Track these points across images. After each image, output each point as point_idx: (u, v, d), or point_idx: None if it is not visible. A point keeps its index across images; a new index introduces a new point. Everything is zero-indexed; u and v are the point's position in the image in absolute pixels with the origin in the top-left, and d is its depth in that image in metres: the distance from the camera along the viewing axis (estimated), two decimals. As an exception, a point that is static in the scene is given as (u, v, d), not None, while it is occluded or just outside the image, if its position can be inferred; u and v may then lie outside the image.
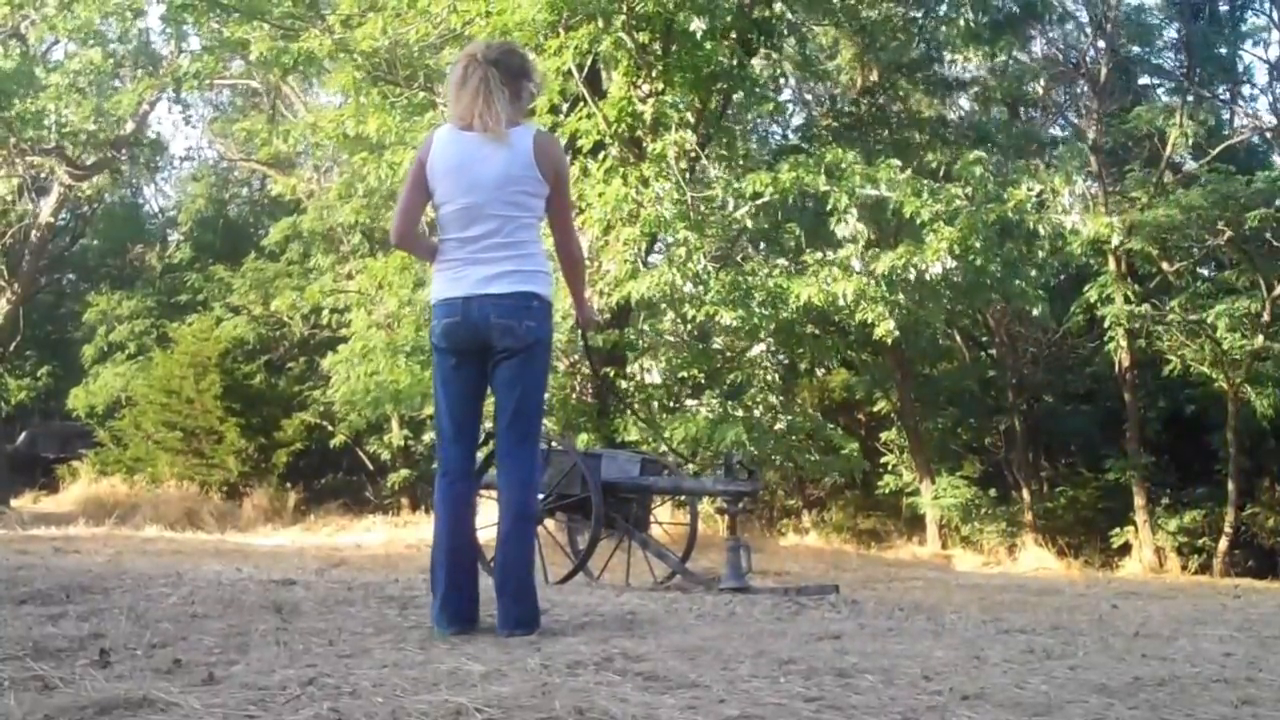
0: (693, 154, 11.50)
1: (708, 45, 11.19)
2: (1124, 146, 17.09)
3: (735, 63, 11.75)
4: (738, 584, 5.45)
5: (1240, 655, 3.31)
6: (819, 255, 11.16)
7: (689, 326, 12.18)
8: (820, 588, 5.74)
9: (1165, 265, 16.06)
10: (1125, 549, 15.46)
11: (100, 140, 17.48)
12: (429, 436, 15.82)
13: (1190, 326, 15.10)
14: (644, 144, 11.37)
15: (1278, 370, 14.99)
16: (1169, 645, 3.52)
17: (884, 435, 17.97)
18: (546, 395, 4.13)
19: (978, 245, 10.66)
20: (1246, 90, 19.48)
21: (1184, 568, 14.90)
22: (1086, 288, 15.43)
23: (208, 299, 20.64)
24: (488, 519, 3.88)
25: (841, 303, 10.65)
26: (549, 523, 6.31)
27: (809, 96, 18.98)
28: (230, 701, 2.23)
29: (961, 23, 13.98)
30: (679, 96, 11.37)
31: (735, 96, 12.50)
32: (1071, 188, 12.13)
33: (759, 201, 11.13)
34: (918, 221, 10.81)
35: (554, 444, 6.21)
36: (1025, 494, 17.04)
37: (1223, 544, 15.14)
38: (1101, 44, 17.15)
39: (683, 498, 8.12)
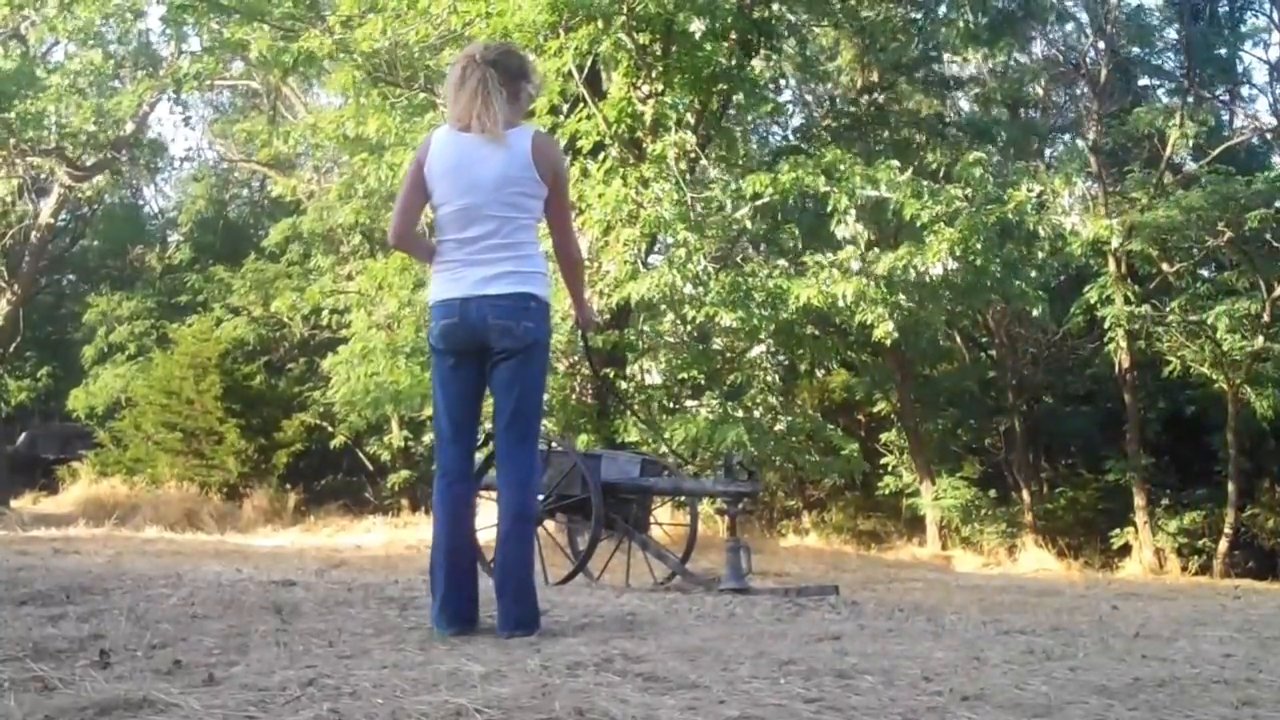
0: (693, 155, 11.50)
1: (707, 46, 11.19)
2: (1124, 147, 17.10)
3: (735, 64, 11.75)
4: (738, 585, 5.45)
5: (1240, 656, 3.31)
6: (819, 257, 11.15)
7: (689, 327, 12.18)
8: (820, 589, 5.74)
9: (1165, 266, 16.07)
10: (1125, 550, 15.47)
11: (100, 141, 17.49)
12: (429, 437, 15.82)
13: (1190, 327, 15.11)
14: (644, 145, 11.37)
15: (1278, 371, 15.00)
16: (1169, 646, 3.52)
17: (884, 436, 17.98)
18: (546, 396, 4.13)
19: (978, 246, 10.66)
20: (1246, 91, 19.53)
21: (1184, 569, 14.90)
22: (1086, 289, 15.44)
23: (208, 300, 20.65)
24: (487, 520, 3.88)
25: (841, 304, 10.65)
26: (549, 524, 6.31)
27: (809, 97, 19.00)
28: (230, 702, 2.23)
29: (961, 24, 13.97)
30: (679, 97, 11.37)
31: (735, 97, 12.50)
32: (1071, 189, 12.13)
33: (759, 202, 11.14)
34: (918, 223, 10.80)
35: (554, 445, 6.20)
36: (1025, 495, 17.04)
37: (1223, 545, 15.14)
38: (1101, 45, 17.16)
39: (682, 499, 8.12)
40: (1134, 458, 15.75)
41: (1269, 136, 18.34)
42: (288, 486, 16.70)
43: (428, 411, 12.69)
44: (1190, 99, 16.36)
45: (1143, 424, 16.42)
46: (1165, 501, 16.48)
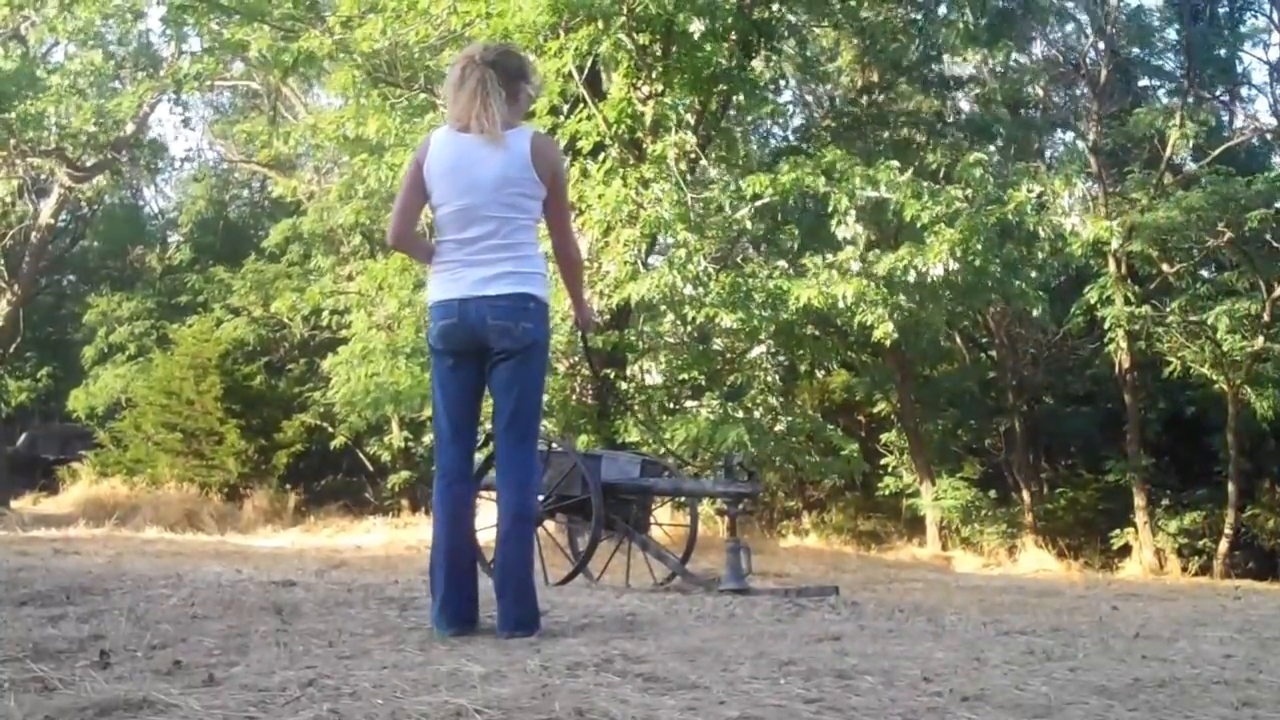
0: (693, 155, 11.50)
1: (707, 46, 11.19)
2: (1124, 148, 17.11)
3: (735, 64, 11.75)
4: (738, 585, 5.45)
5: (1240, 657, 3.31)
6: (818, 258, 11.14)
7: (689, 328, 12.18)
8: (820, 589, 5.74)
9: (1165, 267, 16.09)
10: (1125, 550, 15.47)
11: (100, 142, 17.50)
12: (429, 438, 15.82)
13: (1190, 328, 15.12)
14: (644, 145, 11.37)
15: (1278, 372, 15.01)
16: (1169, 647, 3.52)
17: (884, 437, 17.98)
18: (545, 397, 4.14)
19: (979, 247, 10.66)
20: (1246, 91, 19.53)
21: (1184, 569, 14.91)
22: (1087, 289, 15.44)
23: (208, 300, 20.65)
24: (487, 520, 3.88)
25: (841, 305, 10.65)
26: (549, 524, 6.31)
27: (809, 98, 19.00)
28: (230, 703, 2.23)
29: (960, 25, 13.97)
30: (679, 98, 11.37)
31: (735, 98, 12.50)
32: (1072, 189, 12.13)
33: (759, 203, 11.14)
34: (918, 224, 10.81)
35: (554, 445, 6.20)
36: (1025, 495, 17.05)
37: (1223, 545, 15.15)
38: (1101, 45, 17.17)
39: (683, 499, 8.12)
40: (1134, 458, 15.75)
41: (1269, 137, 18.34)
42: (288, 487, 16.70)
43: (428, 412, 12.68)
44: (1190, 99, 16.35)
45: (1143, 424, 16.42)
46: (1165, 502, 16.49)
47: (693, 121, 11.78)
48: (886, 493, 17.42)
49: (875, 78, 16.32)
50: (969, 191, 11.18)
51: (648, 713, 2.21)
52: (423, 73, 13.09)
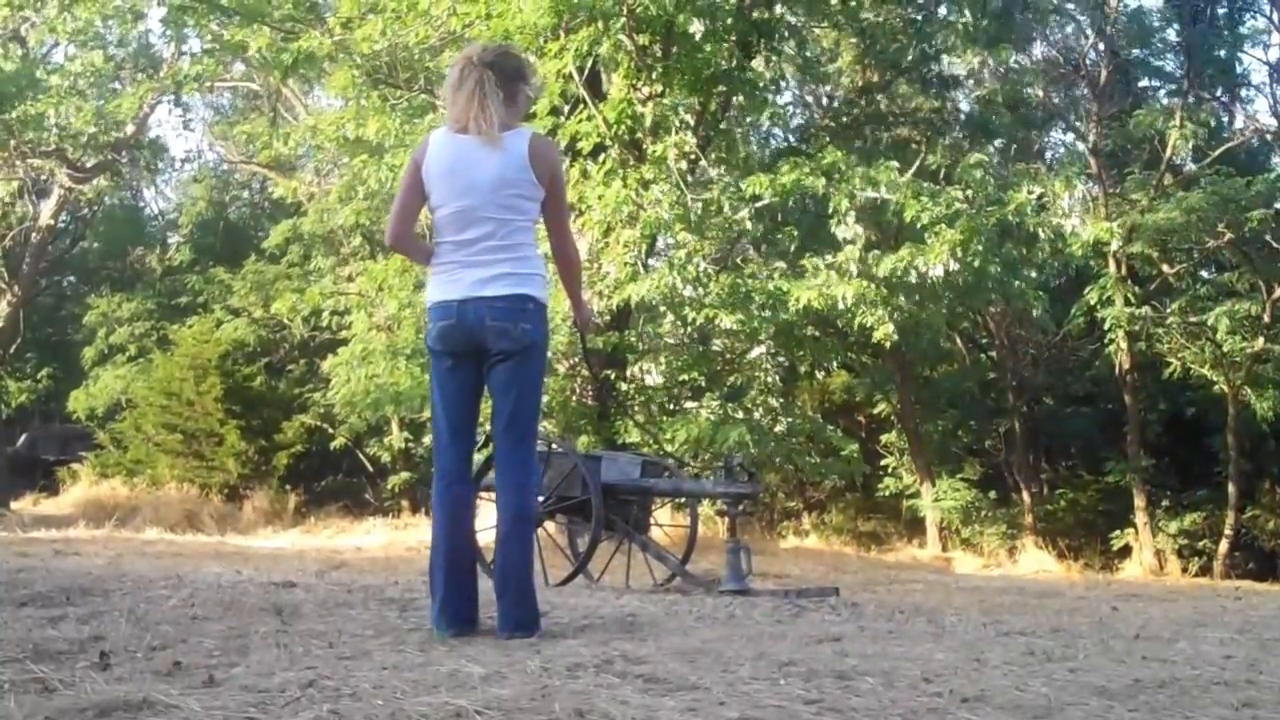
0: (693, 156, 11.50)
1: (708, 47, 11.19)
2: (1124, 149, 17.11)
3: (735, 65, 11.75)
4: (738, 586, 5.45)
5: (1241, 657, 3.31)
6: (817, 260, 11.14)
7: (689, 329, 12.18)
8: (820, 590, 5.74)
9: (1165, 267, 16.09)
10: (1125, 551, 15.47)
11: (101, 143, 17.49)
12: (429, 439, 15.78)
13: (1190, 329, 15.12)
14: (644, 146, 11.37)
15: (1278, 373, 15.01)
16: (1169, 647, 3.52)
17: (884, 438, 17.99)
18: (545, 398, 4.15)
19: (979, 248, 10.67)
20: (1246, 92, 19.52)
21: (1184, 570, 14.91)
22: (1087, 290, 15.44)
23: (208, 301, 20.65)
24: (487, 521, 3.88)
25: (841, 306, 10.65)
26: (549, 525, 6.31)
27: (809, 98, 19.00)
28: (230, 704, 2.23)
29: (960, 25, 13.97)
30: (679, 99, 11.36)
31: (735, 99, 12.50)
32: (1072, 190, 12.13)
33: (758, 204, 11.14)
34: (918, 225, 10.81)
35: (554, 446, 6.21)
36: (1025, 496, 17.05)
37: (1223, 546, 15.15)
38: (1101, 46, 17.17)
39: (683, 500, 8.12)
40: (1134, 459, 15.76)
41: (1269, 138, 18.35)
42: (288, 488, 16.70)
43: (428, 413, 12.65)
44: (1190, 100, 16.36)
45: (1143, 425, 16.42)
46: (1165, 503, 16.49)
47: (693, 122, 11.78)
48: (886, 494, 17.42)
49: (875, 78, 16.32)
50: (969, 192, 11.18)
51: (648, 714, 2.21)
52: (423, 74, 13.09)
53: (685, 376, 12.67)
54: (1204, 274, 16.90)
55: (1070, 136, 19.34)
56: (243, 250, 21.81)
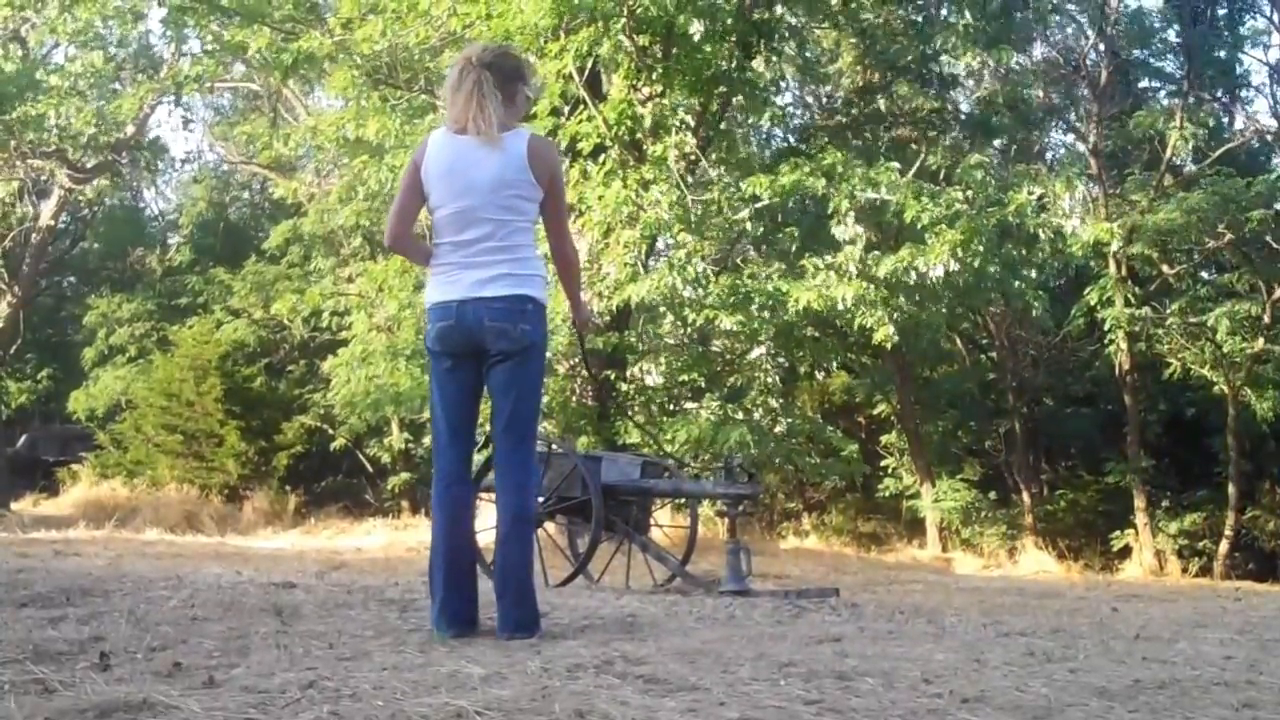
0: (693, 157, 11.50)
1: (708, 48, 11.19)
2: (1124, 150, 17.10)
3: (735, 66, 11.75)
4: (738, 587, 5.45)
5: (1241, 658, 3.31)
6: (817, 260, 11.15)
7: (688, 330, 12.18)
8: (820, 591, 5.74)
9: (1166, 268, 16.09)
10: (1125, 552, 15.47)
11: (101, 143, 17.48)
12: (429, 440, 15.78)
13: (1191, 329, 15.12)
14: (644, 147, 11.37)
15: (1278, 373, 15.01)
16: (1169, 648, 3.52)
17: (884, 438, 17.99)
18: (545, 398, 4.16)
19: (979, 249, 10.67)
20: (1247, 93, 19.52)
21: (1184, 571, 14.91)
22: (1087, 291, 15.44)
23: (208, 302, 20.65)
24: (487, 522, 3.88)
25: (841, 307, 10.65)
26: (549, 525, 6.31)
27: (809, 99, 19.00)
28: (230, 704, 2.23)
29: (960, 27, 13.97)
30: (679, 99, 11.36)
31: (735, 99, 12.50)
32: (1072, 191, 12.13)
33: (758, 204, 11.14)
34: (918, 226, 10.81)
35: (554, 447, 6.21)
36: (1025, 497, 17.04)
37: (1223, 547, 15.15)
38: (1101, 47, 17.17)
39: (683, 501, 8.12)
40: (1134, 460, 15.75)
41: (1269, 138, 18.35)
42: (288, 489, 16.69)
43: (427, 414, 12.66)
44: (1190, 101, 16.36)
45: (1143, 426, 16.42)
46: (1165, 503, 16.49)
47: (693, 123, 11.79)
48: (886, 494, 17.42)
49: (875, 78, 16.31)
50: (969, 193, 11.18)
51: (648, 714, 2.21)
52: (423, 74, 13.09)
53: (685, 377, 12.67)
54: (1204, 275, 16.90)
55: (1070, 137, 19.36)
56: (243, 251, 21.80)
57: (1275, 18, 17.94)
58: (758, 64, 12.56)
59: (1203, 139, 15.76)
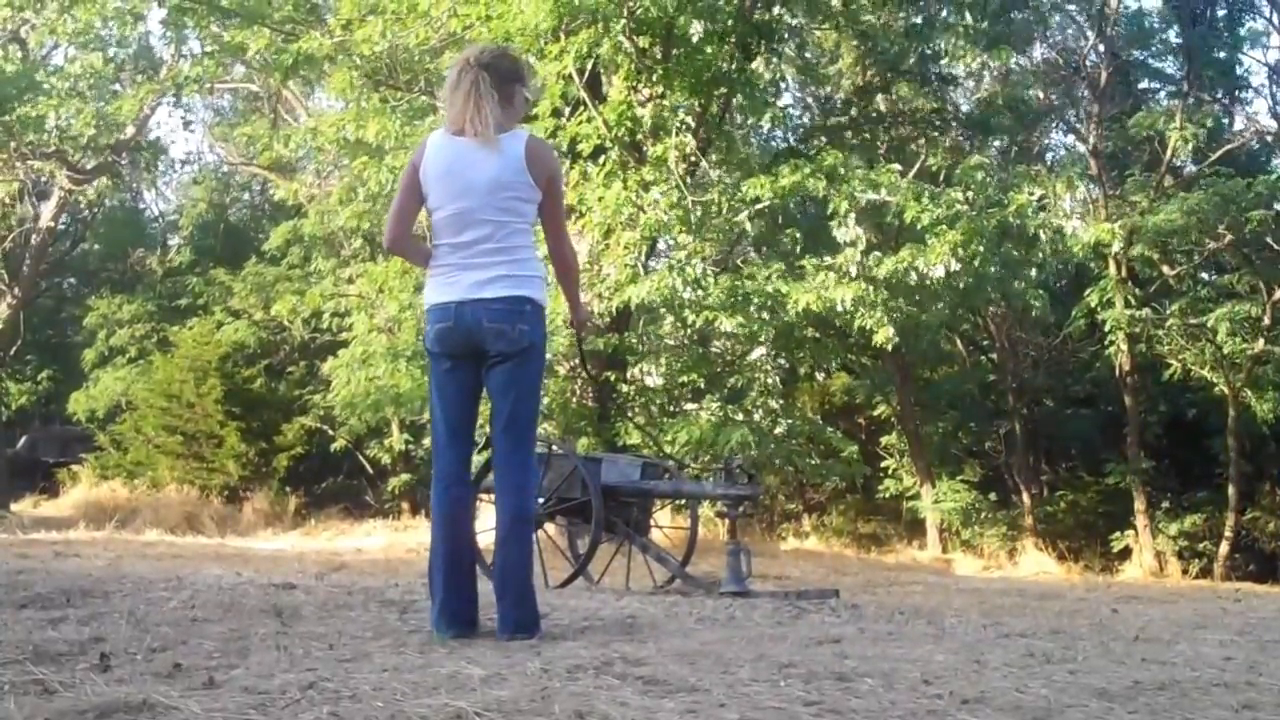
0: (693, 158, 11.50)
1: (708, 49, 11.19)
2: (1124, 151, 17.10)
3: (735, 67, 11.76)
4: (738, 588, 5.45)
5: (1241, 659, 3.31)
6: (817, 261, 11.15)
7: (688, 331, 12.18)
8: (820, 592, 5.74)
9: (1166, 269, 16.08)
10: (1125, 553, 15.47)
11: (101, 145, 17.48)
12: (429, 441, 15.78)
13: (1191, 330, 15.12)
14: (644, 148, 11.37)
15: (1278, 374, 15.00)
16: (1169, 649, 3.52)
17: (884, 439, 17.98)
18: (545, 399, 4.17)
19: (980, 250, 10.68)
20: (1246, 94, 19.52)
21: (1184, 572, 14.91)
22: (1087, 292, 15.44)
23: (208, 303, 20.64)
24: (488, 523, 3.88)
25: (840, 308, 10.65)
26: (549, 527, 6.31)
27: (810, 100, 19.00)
28: (230, 705, 2.23)
29: (960, 28, 13.97)
30: (679, 100, 11.36)
31: (735, 100, 12.51)
32: (1073, 192, 12.14)
33: (759, 206, 11.14)
34: (918, 226, 10.82)
35: (554, 448, 6.21)
36: (1025, 498, 17.04)
37: (1223, 548, 15.15)
38: (1101, 48, 17.17)
39: (683, 502, 8.12)
40: (1134, 461, 15.75)
41: (1269, 139, 18.35)
42: (288, 490, 16.68)
43: (428, 415, 12.64)
44: (1190, 102, 16.36)
45: (1143, 427, 16.42)
46: (1165, 505, 16.48)
47: (693, 124, 11.79)
48: (887, 495, 17.42)
49: (875, 79, 16.31)
50: (970, 194, 11.19)
51: (648, 715, 2.21)
52: (423, 75, 13.09)
53: (685, 378, 12.66)
54: (1204, 276, 16.88)
55: (1070, 138, 19.37)
56: (243, 252, 21.80)
57: (1275, 19, 17.96)
58: (758, 65, 12.56)
59: (1203, 140, 15.76)
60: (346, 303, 16.79)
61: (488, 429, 3.70)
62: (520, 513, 3.47)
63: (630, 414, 11.85)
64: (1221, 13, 18.00)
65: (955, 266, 10.64)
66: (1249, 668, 3.12)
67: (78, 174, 18.33)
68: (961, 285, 11.42)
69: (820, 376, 18.45)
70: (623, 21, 10.83)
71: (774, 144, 16.91)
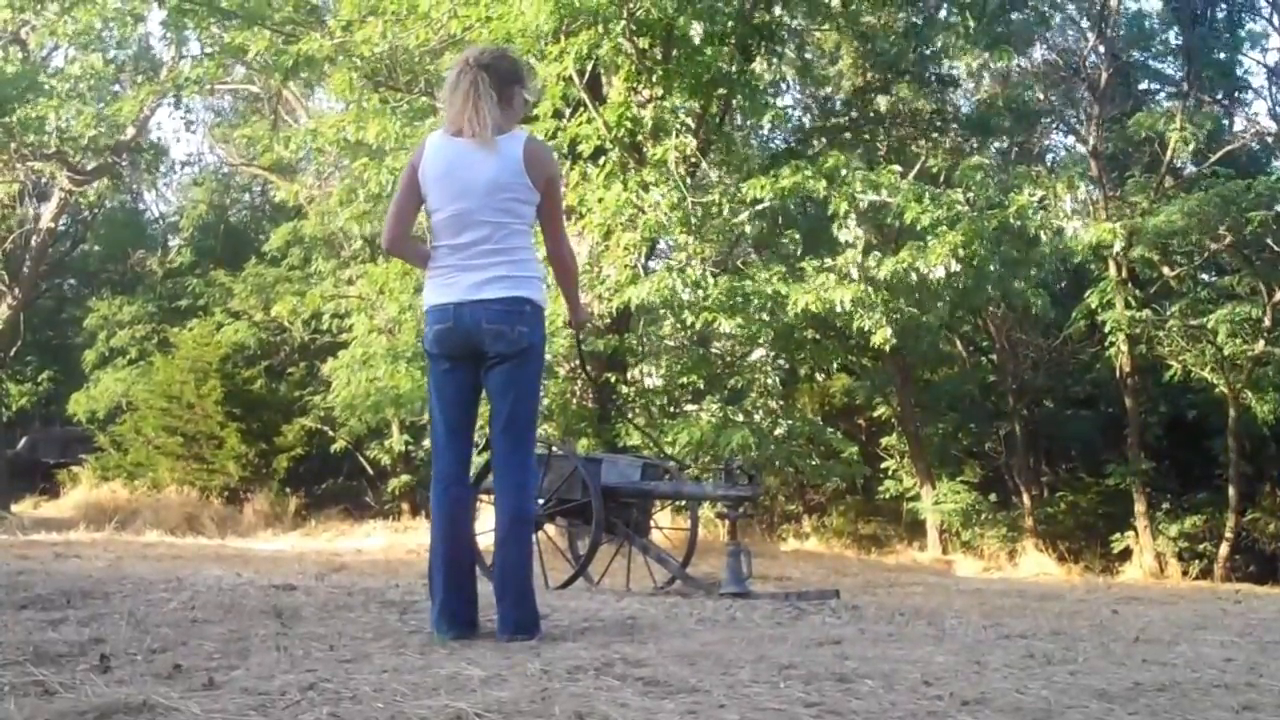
0: (693, 159, 11.51)
1: (708, 51, 11.20)
2: (1124, 152, 17.10)
3: (735, 68, 11.76)
4: (738, 589, 5.44)
5: (1241, 660, 3.31)
6: (817, 263, 11.15)
7: (688, 332, 12.18)
8: (820, 593, 5.73)
9: (1166, 270, 16.08)
10: (1126, 554, 15.46)
11: (101, 146, 17.49)
12: (429, 442, 15.77)
13: (1191, 332, 15.12)
14: (644, 149, 11.38)
15: (1279, 376, 15.00)
16: (1169, 650, 3.52)
17: (884, 440, 17.97)
18: (545, 400, 4.18)
19: (980, 251, 10.69)
20: (1246, 95, 19.53)
21: (1184, 573, 14.91)
22: (1087, 293, 15.44)
23: (208, 304, 20.64)
24: (488, 524, 3.88)
25: (839, 310, 10.65)
26: (549, 528, 6.31)
27: (810, 101, 19.00)
28: (230, 706, 2.23)
29: (961, 29, 13.98)
30: (679, 102, 11.36)
31: (735, 102, 12.51)
32: (1074, 192, 12.13)
33: (759, 207, 11.14)
34: (919, 227, 10.82)
35: (554, 449, 6.21)
36: (1026, 499, 17.03)
37: (1223, 549, 15.14)
38: (1101, 49, 17.17)
39: (683, 503, 8.12)
40: (1134, 462, 15.74)
41: (1269, 140, 18.35)
42: (288, 491, 16.68)
43: (427, 416, 12.62)
44: (1190, 103, 16.36)
45: (1143, 428, 16.41)
46: (1166, 506, 16.47)
47: (693, 125, 11.79)
48: (887, 496, 17.41)
49: (875, 80, 16.31)
50: (970, 195, 11.19)
51: (648, 716, 2.21)
52: (423, 76, 13.09)
53: (685, 379, 12.67)
54: (1205, 277, 16.89)
55: (1070, 139, 19.37)
56: (243, 253, 21.80)
57: (1275, 20, 17.96)
58: (758, 66, 12.57)
59: (1203, 141, 15.76)
60: (347, 304, 16.80)
61: (487, 430, 3.70)
62: (520, 513, 3.47)
63: (630, 415, 11.85)
64: (1222, 14, 18.01)
65: (955, 268, 10.64)
66: (1249, 669, 3.11)
67: (78, 175, 18.34)
68: (961, 285, 11.43)
69: (820, 378, 18.42)
70: (623, 23, 10.84)
71: (774, 145, 16.91)
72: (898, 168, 11.42)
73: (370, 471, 19.89)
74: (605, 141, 11.03)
